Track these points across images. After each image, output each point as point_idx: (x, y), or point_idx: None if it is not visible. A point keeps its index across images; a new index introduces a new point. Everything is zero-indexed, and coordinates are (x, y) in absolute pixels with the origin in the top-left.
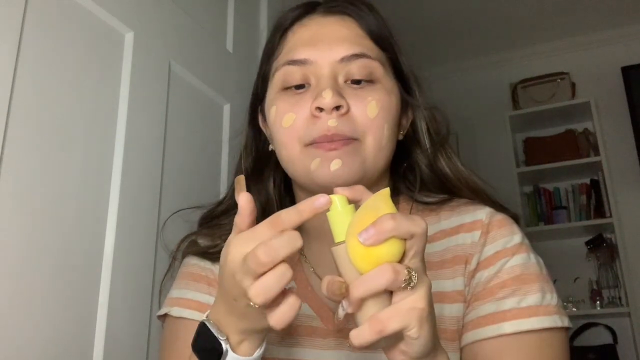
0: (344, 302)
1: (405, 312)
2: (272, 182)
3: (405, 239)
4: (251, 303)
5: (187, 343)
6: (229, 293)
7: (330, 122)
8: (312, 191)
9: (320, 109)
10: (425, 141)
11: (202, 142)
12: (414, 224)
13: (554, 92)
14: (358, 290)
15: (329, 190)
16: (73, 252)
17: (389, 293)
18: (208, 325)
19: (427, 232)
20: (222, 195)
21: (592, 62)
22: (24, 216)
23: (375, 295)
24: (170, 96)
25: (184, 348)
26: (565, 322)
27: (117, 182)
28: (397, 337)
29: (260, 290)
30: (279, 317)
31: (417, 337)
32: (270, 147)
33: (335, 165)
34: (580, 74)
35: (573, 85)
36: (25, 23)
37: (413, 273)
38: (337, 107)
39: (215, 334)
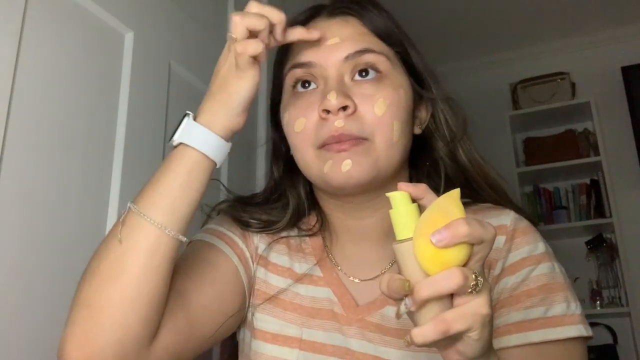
0: (408, 300)
1: (470, 315)
2: (302, 186)
3: (473, 244)
4: (230, 34)
5: (203, 260)
6: (217, 68)
7: (338, 123)
8: (329, 193)
9: (327, 111)
10: (446, 133)
11: None
12: (486, 230)
13: (554, 92)
14: (426, 291)
15: (344, 192)
16: (73, 252)
17: (450, 295)
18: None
19: (495, 238)
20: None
21: (592, 62)
22: (24, 216)
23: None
24: (170, 96)
25: (197, 261)
26: (589, 332)
27: (117, 182)
28: (455, 338)
29: (236, 16)
30: (243, 45)
31: (477, 339)
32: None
33: (346, 166)
34: (580, 74)
35: (573, 85)
36: (25, 23)
37: (480, 279)
38: (344, 108)
39: (187, 112)
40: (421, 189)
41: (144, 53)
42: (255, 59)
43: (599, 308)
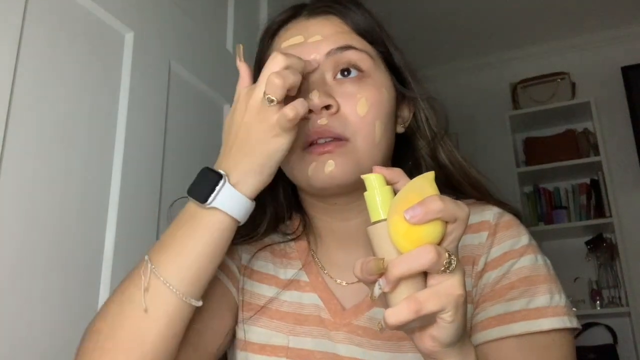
0: (381, 281)
1: (443, 295)
2: (281, 190)
3: (447, 223)
4: (270, 96)
5: None
6: (238, 120)
7: (321, 121)
8: (313, 195)
9: (310, 111)
10: (427, 133)
11: (202, 142)
12: (460, 208)
13: (554, 92)
14: (399, 268)
15: (328, 193)
16: (73, 252)
17: (423, 277)
18: (209, 168)
19: (468, 218)
20: None
21: (592, 62)
22: (24, 216)
23: (412, 276)
24: (170, 96)
25: None
26: (574, 323)
27: (117, 182)
28: (429, 321)
29: (276, 78)
30: (290, 108)
31: (451, 321)
32: None
33: (329, 166)
34: (580, 74)
35: (573, 85)
36: (25, 23)
37: (453, 257)
38: (327, 107)
39: (216, 169)
40: (396, 173)
41: (144, 53)
42: None
43: (599, 308)
